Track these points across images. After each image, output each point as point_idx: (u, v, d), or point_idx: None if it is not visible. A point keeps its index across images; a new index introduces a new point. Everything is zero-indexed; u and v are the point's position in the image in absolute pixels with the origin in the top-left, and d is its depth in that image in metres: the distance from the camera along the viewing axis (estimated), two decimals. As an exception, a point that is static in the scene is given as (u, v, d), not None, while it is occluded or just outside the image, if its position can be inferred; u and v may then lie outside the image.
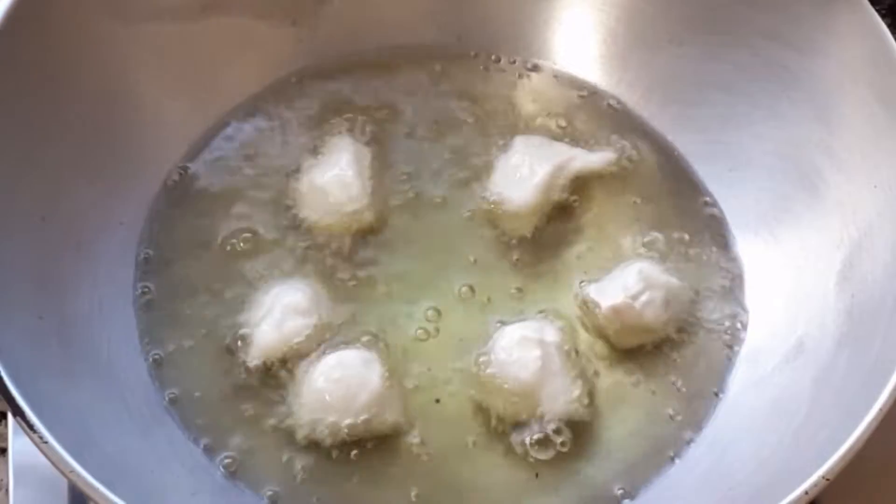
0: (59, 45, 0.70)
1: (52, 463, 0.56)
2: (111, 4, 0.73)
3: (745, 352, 0.72)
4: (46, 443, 0.56)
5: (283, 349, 0.69)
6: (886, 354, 0.61)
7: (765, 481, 0.61)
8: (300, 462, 0.66)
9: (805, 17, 0.73)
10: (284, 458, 0.66)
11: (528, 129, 0.79)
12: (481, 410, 0.68)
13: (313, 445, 0.66)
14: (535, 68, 0.83)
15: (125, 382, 0.68)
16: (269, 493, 0.66)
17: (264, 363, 0.69)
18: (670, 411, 0.69)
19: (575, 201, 0.76)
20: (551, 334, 0.69)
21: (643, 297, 0.70)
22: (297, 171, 0.76)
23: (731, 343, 0.72)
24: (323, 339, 0.69)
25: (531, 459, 0.67)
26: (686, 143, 0.79)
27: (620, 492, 0.67)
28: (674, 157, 0.79)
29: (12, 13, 0.67)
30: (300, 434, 0.67)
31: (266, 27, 0.80)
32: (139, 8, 0.74)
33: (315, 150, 0.77)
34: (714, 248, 0.76)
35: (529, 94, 0.82)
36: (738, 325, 0.73)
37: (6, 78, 0.66)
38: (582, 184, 0.77)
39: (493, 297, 0.72)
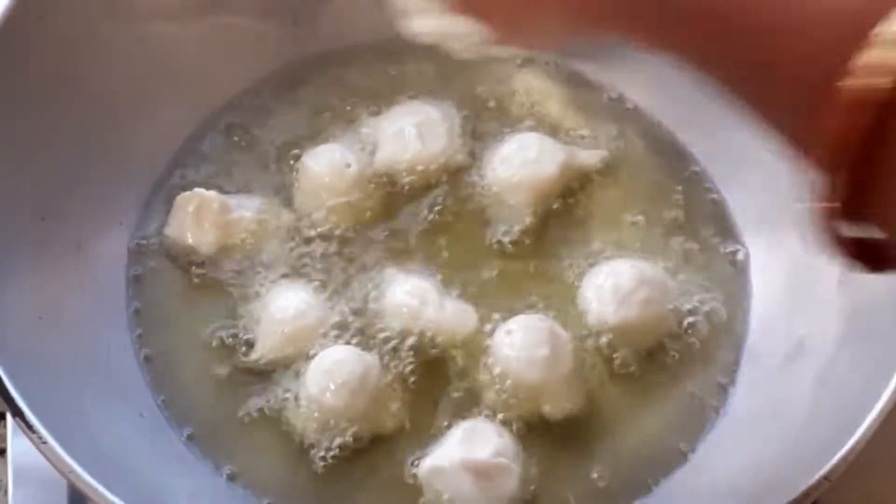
0: (58, 46, 0.70)
1: (52, 463, 0.56)
2: (111, 4, 0.73)
3: (745, 352, 0.71)
4: (46, 443, 0.56)
5: (283, 348, 0.68)
6: (888, 354, 0.61)
7: (766, 482, 0.61)
8: (299, 462, 0.66)
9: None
10: (283, 458, 0.66)
11: (525, 125, 0.79)
12: (484, 410, 0.68)
13: (312, 445, 0.66)
14: (534, 65, 0.82)
15: (124, 383, 0.68)
16: (268, 493, 0.66)
17: (263, 363, 0.69)
18: (671, 413, 0.69)
19: (570, 199, 0.76)
20: (553, 329, 0.68)
21: (640, 296, 0.69)
22: (297, 167, 0.76)
23: (732, 344, 0.72)
24: (322, 339, 0.69)
25: (532, 458, 0.67)
26: (686, 143, 0.79)
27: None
28: (674, 156, 0.79)
29: (12, 13, 0.67)
30: (299, 434, 0.66)
31: (267, 26, 0.80)
32: (139, 8, 0.74)
33: (315, 146, 0.77)
34: (714, 248, 0.75)
35: (527, 91, 0.81)
36: (739, 326, 0.72)
37: (5, 78, 0.67)
38: (578, 181, 0.76)
39: (490, 293, 0.72)
